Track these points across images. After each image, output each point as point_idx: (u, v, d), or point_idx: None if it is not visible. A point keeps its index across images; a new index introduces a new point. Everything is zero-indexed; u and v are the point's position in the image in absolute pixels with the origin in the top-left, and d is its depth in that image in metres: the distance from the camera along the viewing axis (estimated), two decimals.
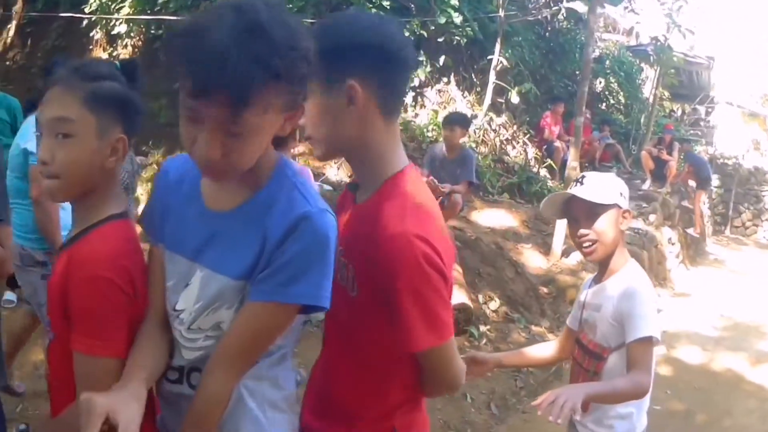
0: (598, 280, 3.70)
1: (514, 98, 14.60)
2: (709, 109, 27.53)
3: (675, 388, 8.89)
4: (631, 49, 22.99)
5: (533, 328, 9.85)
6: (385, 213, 2.21)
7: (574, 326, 3.83)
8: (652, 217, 14.99)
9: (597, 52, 20.39)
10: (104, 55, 15.40)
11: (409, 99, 13.83)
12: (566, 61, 18.71)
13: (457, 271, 8.80)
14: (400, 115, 2.46)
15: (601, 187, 3.48)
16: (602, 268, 3.65)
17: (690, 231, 18.41)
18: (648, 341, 3.19)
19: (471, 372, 3.42)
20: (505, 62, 14.35)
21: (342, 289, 2.33)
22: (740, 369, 10.01)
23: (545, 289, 10.84)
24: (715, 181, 24.78)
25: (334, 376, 2.54)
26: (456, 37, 14.18)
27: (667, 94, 23.64)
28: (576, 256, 11.83)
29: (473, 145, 13.72)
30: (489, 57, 14.45)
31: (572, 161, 12.02)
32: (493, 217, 12.30)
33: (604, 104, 21.26)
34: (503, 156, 14.64)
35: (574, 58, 18.97)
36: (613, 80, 21.26)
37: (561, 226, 11.49)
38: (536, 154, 15.83)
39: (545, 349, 4.17)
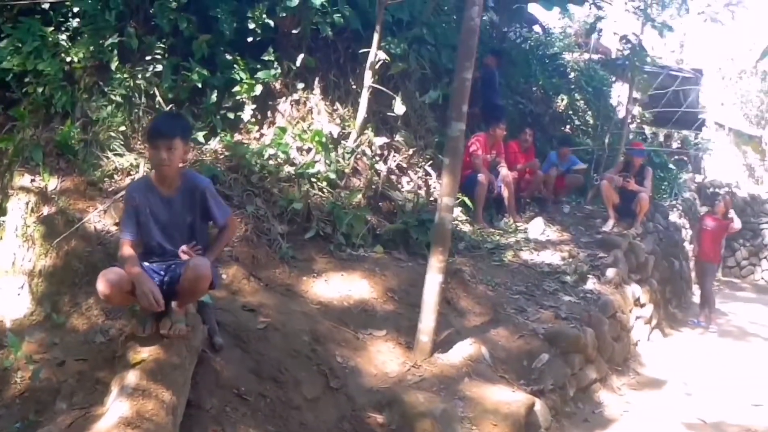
0: None
1: (398, 108, 9.39)
2: (697, 133, 22.29)
3: None
4: (601, 63, 17.49)
5: None
6: None
7: None
8: (609, 273, 9.87)
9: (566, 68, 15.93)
10: None
11: (247, 115, 9.16)
12: (517, 72, 13.37)
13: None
14: None
15: None
16: None
17: None
18: None
19: None
20: (384, 56, 9.10)
21: None
22: None
23: (379, 418, 5.79)
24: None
25: None
26: (320, 27, 9.42)
27: (647, 115, 18.20)
28: (462, 351, 6.82)
29: (333, 175, 8.70)
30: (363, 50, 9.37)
31: (444, 194, 6.88)
32: (340, 286, 7.31)
33: (567, 126, 16.08)
34: (389, 191, 9.35)
35: (528, 68, 14.07)
36: (579, 97, 16.20)
37: (432, 296, 6.61)
38: None
39: None
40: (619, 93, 17.98)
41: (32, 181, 7.61)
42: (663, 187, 15.91)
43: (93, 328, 6.27)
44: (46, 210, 7.38)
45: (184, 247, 4.98)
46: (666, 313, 12.83)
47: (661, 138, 21.92)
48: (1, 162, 8.13)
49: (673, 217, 16.00)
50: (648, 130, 19.89)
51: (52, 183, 7.60)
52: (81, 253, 6.97)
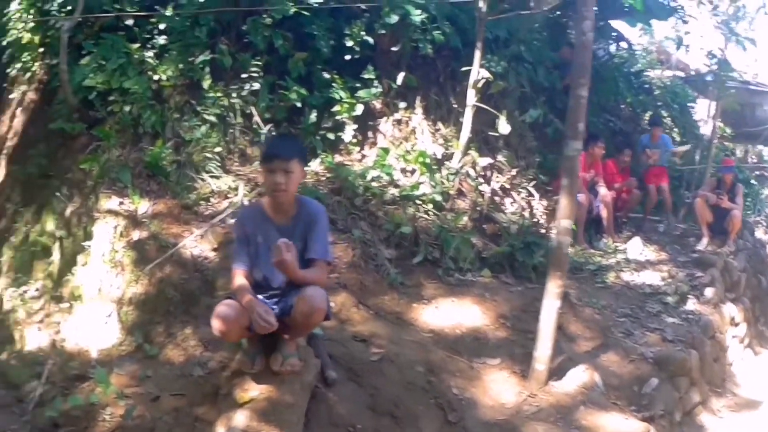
0: None
1: (503, 127, 8.82)
2: None
3: None
4: (685, 79, 16.93)
5: None
6: None
7: None
8: (708, 292, 9.36)
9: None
10: None
11: (348, 135, 8.76)
12: (606, 89, 12.93)
13: None
14: None
15: None
16: None
17: None
18: None
19: None
20: (487, 75, 8.77)
21: None
22: None
23: None
24: None
25: None
26: (419, 44, 9.01)
27: (729, 130, 17.55)
28: (576, 378, 6.39)
29: (439, 197, 8.33)
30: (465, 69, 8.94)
31: (562, 217, 6.27)
32: (451, 312, 6.93)
33: None
34: (493, 213, 8.98)
35: (616, 86, 13.41)
36: (665, 114, 15.52)
37: (549, 323, 6.12)
38: (549, 209, 10.02)
39: None
40: (702, 109, 17.27)
41: (120, 203, 7.26)
42: (747, 203, 15.23)
43: (190, 360, 5.85)
44: (136, 234, 7.01)
45: (284, 240, 4.36)
46: (756, 331, 12.22)
47: (739, 154, 21.26)
48: (85, 183, 7.79)
49: (759, 233, 15.47)
50: (729, 146, 19.29)
51: (143, 206, 7.24)
52: (176, 281, 6.61)
